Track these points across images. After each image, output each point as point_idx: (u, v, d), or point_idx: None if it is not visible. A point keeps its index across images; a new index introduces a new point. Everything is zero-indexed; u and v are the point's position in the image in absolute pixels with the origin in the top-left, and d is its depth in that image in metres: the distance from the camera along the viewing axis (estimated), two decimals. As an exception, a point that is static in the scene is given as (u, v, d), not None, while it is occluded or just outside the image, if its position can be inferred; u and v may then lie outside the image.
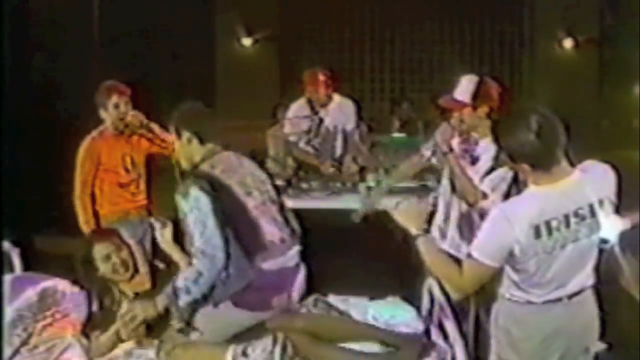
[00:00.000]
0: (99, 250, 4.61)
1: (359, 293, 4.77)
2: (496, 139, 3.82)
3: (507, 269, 3.55)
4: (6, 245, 5.09)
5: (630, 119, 10.89)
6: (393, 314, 4.31)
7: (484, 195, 4.99)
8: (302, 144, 7.65)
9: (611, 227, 3.44)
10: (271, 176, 4.99)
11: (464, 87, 5.19)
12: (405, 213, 3.89)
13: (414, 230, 3.77)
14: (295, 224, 4.67)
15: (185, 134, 4.43)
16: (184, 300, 4.13)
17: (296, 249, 4.56)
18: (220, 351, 4.03)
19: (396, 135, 8.31)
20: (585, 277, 3.61)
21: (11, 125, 9.59)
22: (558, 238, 3.44)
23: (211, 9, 11.95)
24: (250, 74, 11.67)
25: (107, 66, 10.60)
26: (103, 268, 4.57)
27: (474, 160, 5.12)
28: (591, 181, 3.50)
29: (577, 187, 3.48)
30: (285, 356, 3.87)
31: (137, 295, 4.59)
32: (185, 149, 4.46)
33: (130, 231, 5.78)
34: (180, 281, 4.17)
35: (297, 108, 7.70)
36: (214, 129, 4.57)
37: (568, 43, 11.53)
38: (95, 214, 6.06)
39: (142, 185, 6.26)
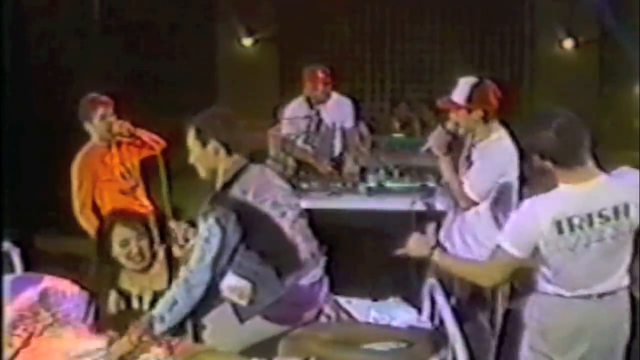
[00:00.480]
0: (119, 232, 4.48)
1: (360, 294, 4.77)
2: (513, 136, 3.90)
3: (539, 262, 3.70)
4: (7, 245, 5.10)
5: (631, 119, 10.89)
6: (394, 315, 4.32)
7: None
8: (300, 143, 7.63)
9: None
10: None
11: (461, 89, 5.20)
12: (413, 249, 4.07)
13: (425, 254, 3.98)
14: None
15: (212, 143, 4.20)
16: (158, 329, 4.03)
17: (323, 261, 4.46)
18: None
19: (396, 135, 8.30)
20: (618, 278, 3.71)
21: (11, 125, 9.61)
22: (581, 236, 3.58)
23: (212, 9, 11.95)
24: (251, 74, 11.67)
25: (107, 66, 10.64)
26: (118, 251, 4.46)
27: (470, 165, 5.12)
28: (618, 185, 3.63)
29: (603, 189, 3.62)
30: None
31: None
32: (208, 158, 4.25)
33: None
34: (156, 309, 4.10)
35: (296, 106, 7.70)
36: (245, 142, 4.39)
37: (568, 43, 11.53)
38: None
39: (141, 192, 6.34)
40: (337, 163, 7.52)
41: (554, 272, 3.68)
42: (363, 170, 7.32)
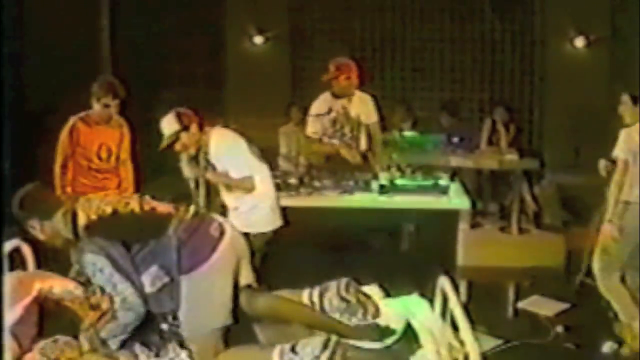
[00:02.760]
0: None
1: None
2: None
3: None
4: (19, 242, 5.12)
5: (642, 117, 10.86)
6: (412, 310, 4.34)
7: None
8: (326, 138, 7.66)
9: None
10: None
11: None
12: None
13: None
14: None
15: None
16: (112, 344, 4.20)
17: None
18: (267, 352, 4.11)
19: (407, 133, 8.32)
20: None
21: (21, 122, 9.65)
22: None
23: (222, 8, 11.96)
24: (262, 73, 11.67)
25: (117, 64, 10.66)
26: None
27: None
28: None
29: None
30: None
31: None
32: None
33: None
34: (103, 333, 4.20)
35: (321, 101, 7.70)
36: None
37: (579, 42, 11.50)
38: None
39: (115, 179, 6.78)
40: (365, 156, 7.58)
41: None
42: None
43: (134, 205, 4.35)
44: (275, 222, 6.14)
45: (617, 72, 10.87)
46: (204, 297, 4.32)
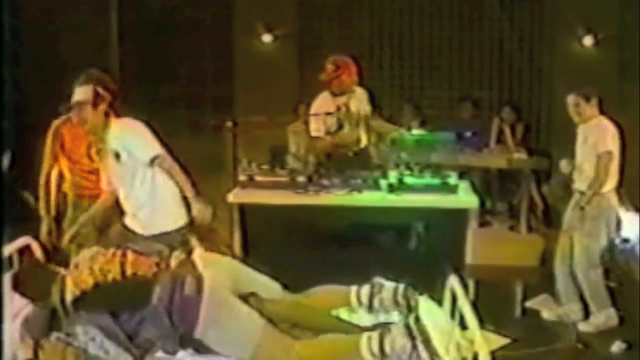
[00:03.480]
0: None
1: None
2: None
3: None
4: (28, 239, 5.14)
5: (651, 116, 10.85)
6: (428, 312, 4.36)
7: None
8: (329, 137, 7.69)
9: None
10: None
11: None
12: None
13: None
14: None
15: None
16: None
17: None
18: (353, 341, 4.08)
19: (416, 132, 8.32)
20: None
21: (30, 120, 9.67)
22: None
23: (231, 6, 11.97)
24: (270, 71, 11.68)
25: (125, 61, 10.69)
26: None
27: None
28: None
29: None
30: None
31: None
32: None
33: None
34: None
35: (321, 101, 7.72)
36: None
37: (588, 40, 11.48)
38: (64, 196, 6.38)
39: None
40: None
41: None
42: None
43: (115, 272, 4.18)
44: (182, 217, 5.80)
45: (626, 71, 10.86)
46: (228, 340, 4.15)
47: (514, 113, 10.66)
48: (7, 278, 4.15)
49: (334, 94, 7.64)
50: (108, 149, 5.58)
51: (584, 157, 6.71)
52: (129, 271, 4.18)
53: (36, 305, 4.20)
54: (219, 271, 4.28)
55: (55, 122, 6.33)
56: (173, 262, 4.30)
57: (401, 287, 4.43)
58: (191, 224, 5.70)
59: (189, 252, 4.36)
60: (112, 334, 3.99)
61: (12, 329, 4.04)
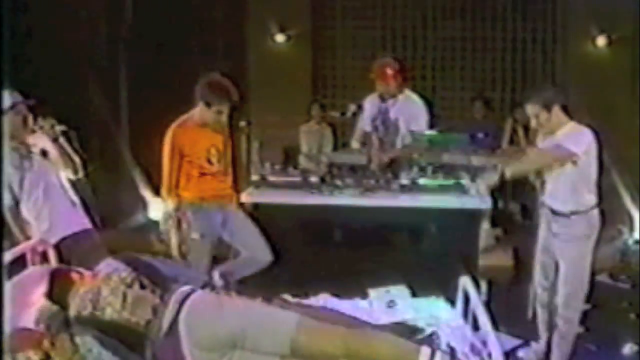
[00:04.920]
0: None
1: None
2: None
3: None
4: (42, 239, 5.17)
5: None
6: (435, 313, 4.36)
7: None
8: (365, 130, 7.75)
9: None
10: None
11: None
12: None
13: None
14: None
15: None
16: None
17: None
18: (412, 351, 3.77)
19: (429, 132, 8.31)
20: None
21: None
22: None
23: (244, 5, 11.99)
24: (283, 71, 11.70)
25: (138, 61, 10.71)
26: None
27: None
28: None
29: None
30: None
31: None
32: None
33: (205, 220, 6.13)
34: None
35: (369, 102, 7.71)
36: None
37: (601, 41, 11.46)
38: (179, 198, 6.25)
39: (229, 177, 6.44)
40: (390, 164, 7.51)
41: None
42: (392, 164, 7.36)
43: (114, 308, 3.99)
44: (81, 220, 5.85)
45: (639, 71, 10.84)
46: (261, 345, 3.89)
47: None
48: (7, 277, 4.14)
49: (382, 97, 7.64)
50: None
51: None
52: (124, 313, 3.98)
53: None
54: (207, 339, 3.90)
55: (172, 127, 6.25)
56: (165, 323, 3.93)
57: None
58: None
59: (179, 310, 3.94)
60: (109, 345, 3.88)
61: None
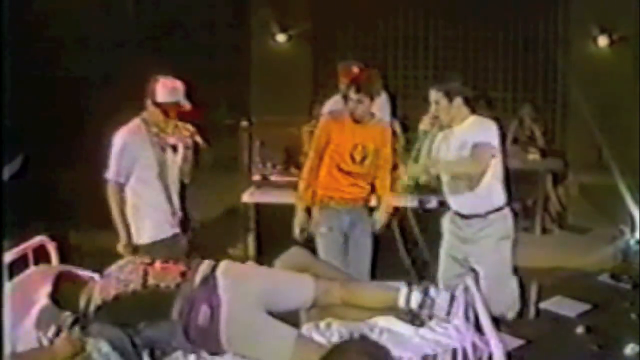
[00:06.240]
0: None
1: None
2: None
3: None
4: (43, 239, 5.16)
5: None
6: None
7: None
8: None
9: None
10: None
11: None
12: None
13: None
14: None
15: None
16: None
17: None
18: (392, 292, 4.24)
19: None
20: None
21: (46, 120, 9.71)
22: None
23: (246, 5, 11.99)
24: (285, 71, 11.71)
25: (141, 60, 10.70)
26: None
27: None
28: None
29: None
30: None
31: None
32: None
33: (335, 220, 6.05)
34: None
35: (332, 104, 7.68)
36: None
37: (603, 41, 11.47)
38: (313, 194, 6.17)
39: (367, 186, 6.19)
40: None
41: None
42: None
43: (137, 282, 4.09)
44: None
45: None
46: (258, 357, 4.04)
47: (534, 111, 10.49)
48: (8, 277, 4.14)
49: (346, 98, 7.61)
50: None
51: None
52: (150, 281, 4.10)
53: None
54: (243, 289, 4.11)
55: (325, 117, 6.30)
56: (198, 277, 4.11)
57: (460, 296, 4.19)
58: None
59: (214, 267, 4.15)
60: (119, 346, 3.90)
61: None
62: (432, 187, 6.28)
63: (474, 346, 3.89)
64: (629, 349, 6.10)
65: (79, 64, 9.54)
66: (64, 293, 4.15)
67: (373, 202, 6.32)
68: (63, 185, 9.31)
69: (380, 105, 7.59)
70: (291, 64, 11.89)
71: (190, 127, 5.84)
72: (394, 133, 7.72)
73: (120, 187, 5.57)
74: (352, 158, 6.04)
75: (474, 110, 5.61)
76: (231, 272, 4.19)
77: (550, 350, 6.17)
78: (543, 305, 7.18)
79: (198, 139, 5.84)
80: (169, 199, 5.72)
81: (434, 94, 5.55)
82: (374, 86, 6.19)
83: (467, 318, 4.17)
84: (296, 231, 6.05)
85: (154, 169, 5.63)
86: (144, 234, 5.64)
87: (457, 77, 5.76)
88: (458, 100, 5.51)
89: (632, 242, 8.06)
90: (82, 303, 4.09)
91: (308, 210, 6.16)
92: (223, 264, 4.20)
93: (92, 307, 4.08)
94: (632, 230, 8.17)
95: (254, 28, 12.05)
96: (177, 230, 5.79)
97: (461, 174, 5.54)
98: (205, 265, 4.17)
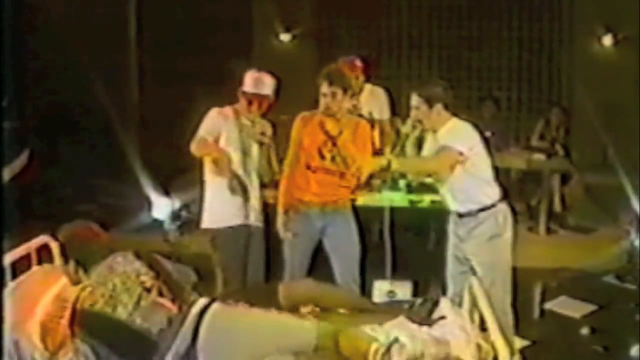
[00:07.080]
0: None
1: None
2: None
3: None
4: (46, 238, 5.15)
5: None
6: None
7: None
8: None
9: None
10: None
11: None
12: None
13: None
14: None
15: None
16: None
17: None
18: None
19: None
20: None
21: (47, 120, 9.72)
22: None
23: (249, 5, 11.99)
24: (289, 70, 11.65)
25: (144, 60, 10.71)
26: None
27: None
28: None
29: None
30: None
31: None
32: None
33: (302, 225, 5.97)
34: None
35: None
36: None
37: (607, 40, 11.45)
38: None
39: (344, 181, 6.01)
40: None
41: None
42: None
43: (125, 305, 3.93)
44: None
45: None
46: None
47: (563, 114, 10.35)
48: (8, 279, 4.13)
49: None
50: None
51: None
52: (139, 313, 3.92)
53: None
54: (232, 336, 3.96)
55: (297, 119, 6.31)
56: (194, 310, 3.96)
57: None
58: None
59: (199, 321, 3.92)
60: (103, 357, 3.84)
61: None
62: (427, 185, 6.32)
63: (479, 346, 3.87)
64: (635, 351, 6.08)
65: (80, 64, 9.53)
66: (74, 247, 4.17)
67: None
68: (63, 185, 9.33)
69: (380, 105, 7.60)
70: (295, 64, 11.85)
71: (269, 127, 6.13)
72: (382, 132, 7.71)
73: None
74: (320, 153, 5.96)
75: (454, 113, 5.56)
76: (222, 315, 4.01)
77: (555, 351, 6.16)
78: (548, 305, 7.18)
79: (266, 140, 6.05)
80: (244, 190, 5.89)
81: (414, 100, 5.54)
82: (347, 79, 6.13)
83: (471, 318, 4.16)
84: (281, 233, 5.97)
85: (237, 155, 5.91)
86: (212, 218, 5.87)
87: (439, 83, 5.64)
88: (438, 107, 5.48)
89: (637, 242, 8.04)
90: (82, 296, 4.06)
91: None
92: (207, 321, 3.95)
93: (77, 307, 4.01)
94: (638, 230, 8.15)
95: (257, 27, 12.04)
96: (245, 221, 5.93)
97: (422, 173, 5.95)
98: (192, 316, 3.95)
